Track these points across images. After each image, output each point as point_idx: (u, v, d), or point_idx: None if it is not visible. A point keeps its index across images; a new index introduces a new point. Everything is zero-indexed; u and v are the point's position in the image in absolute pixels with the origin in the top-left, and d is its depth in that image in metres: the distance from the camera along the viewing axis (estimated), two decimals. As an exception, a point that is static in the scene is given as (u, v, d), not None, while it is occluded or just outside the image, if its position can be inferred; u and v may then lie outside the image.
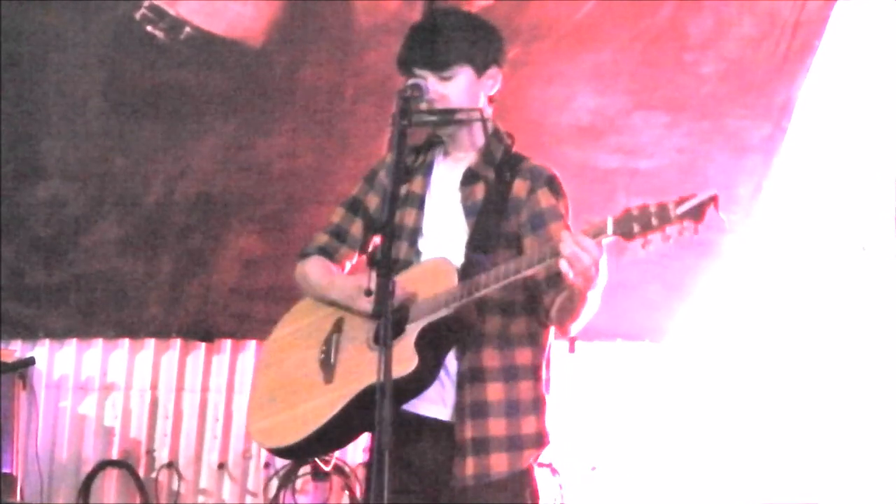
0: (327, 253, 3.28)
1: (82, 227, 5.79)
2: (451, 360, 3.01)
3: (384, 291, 2.69)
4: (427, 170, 3.19)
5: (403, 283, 2.92)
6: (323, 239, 3.30)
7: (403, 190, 3.13)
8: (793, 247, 5.26)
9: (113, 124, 5.76)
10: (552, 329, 3.10)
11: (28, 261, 5.80)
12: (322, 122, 5.63)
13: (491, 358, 3.03)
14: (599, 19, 5.38)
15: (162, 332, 5.80)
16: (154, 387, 5.81)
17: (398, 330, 2.91)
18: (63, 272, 5.79)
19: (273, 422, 3.16)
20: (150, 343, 5.83)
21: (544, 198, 3.07)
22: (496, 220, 3.04)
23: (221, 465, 5.74)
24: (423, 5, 5.33)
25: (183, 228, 5.75)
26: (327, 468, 5.47)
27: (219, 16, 5.66)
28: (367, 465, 2.61)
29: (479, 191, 3.10)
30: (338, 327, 3.12)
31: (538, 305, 3.03)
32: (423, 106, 3.01)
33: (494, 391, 3.02)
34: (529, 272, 2.84)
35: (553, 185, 3.10)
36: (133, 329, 5.81)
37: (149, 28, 5.69)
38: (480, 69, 3.10)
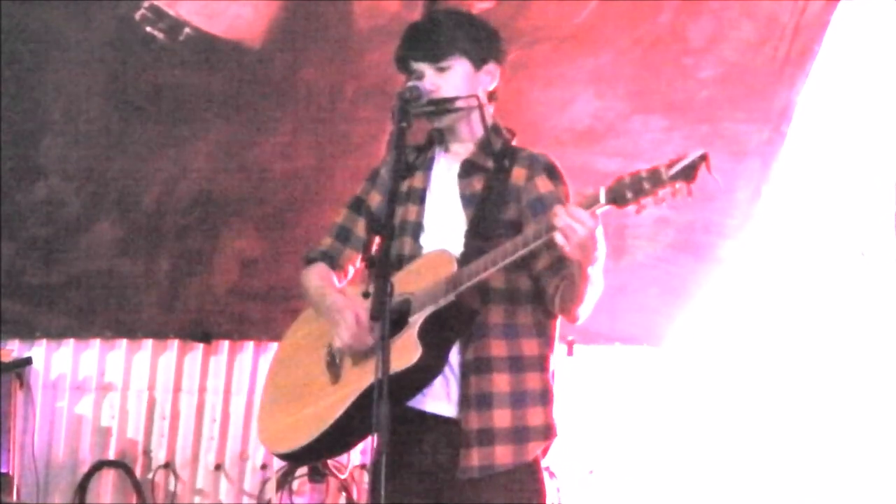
0: (330, 257, 3.27)
1: (81, 227, 5.79)
2: (454, 354, 2.99)
3: (382, 292, 2.67)
4: (428, 165, 3.18)
5: (405, 277, 2.92)
6: (326, 242, 3.30)
7: (405, 186, 3.13)
8: (792, 251, 5.24)
9: (113, 124, 5.76)
10: (559, 320, 3.07)
11: (26, 260, 5.79)
12: (322, 122, 5.62)
13: (497, 347, 3.00)
14: (600, 23, 5.38)
15: (160, 333, 5.79)
16: (151, 387, 5.80)
17: (402, 325, 2.90)
18: (61, 272, 5.78)
19: (281, 426, 3.16)
20: (148, 343, 5.81)
21: (542, 184, 3.05)
22: (496, 209, 3.02)
23: (218, 466, 5.73)
24: (423, 7, 5.33)
25: (182, 229, 5.74)
26: (324, 469, 5.46)
27: (218, 16, 5.66)
28: (372, 466, 2.61)
29: (478, 181, 3.09)
30: None
31: (543, 293, 3.00)
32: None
33: (500, 382, 2.99)
34: (526, 250, 2.81)
35: (552, 171, 3.09)
36: (131, 329, 5.80)
37: (149, 28, 5.69)
38: (478, 63, 3.09)
